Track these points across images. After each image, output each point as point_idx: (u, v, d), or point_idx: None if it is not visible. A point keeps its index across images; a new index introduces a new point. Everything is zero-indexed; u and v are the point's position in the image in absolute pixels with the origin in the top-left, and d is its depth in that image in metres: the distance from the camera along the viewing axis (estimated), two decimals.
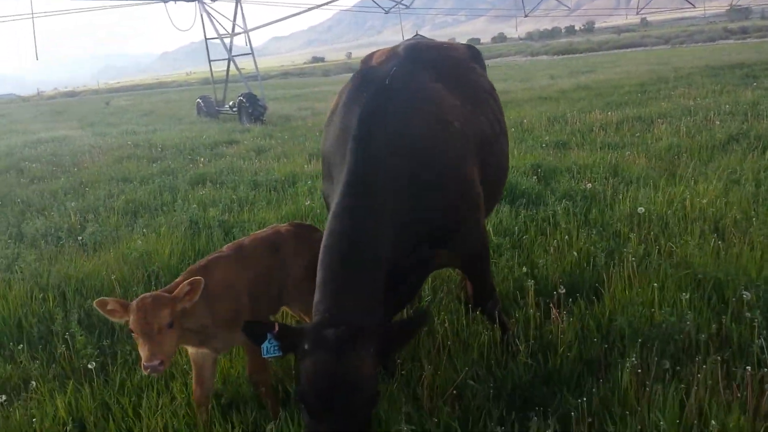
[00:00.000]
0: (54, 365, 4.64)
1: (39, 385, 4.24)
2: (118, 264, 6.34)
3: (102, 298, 3.20)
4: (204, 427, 3.65)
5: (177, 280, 3.44)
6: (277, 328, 2.99)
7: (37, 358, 4.76)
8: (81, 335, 4.76)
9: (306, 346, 2.90)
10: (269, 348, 3.03)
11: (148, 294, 3.19)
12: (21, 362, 4.72)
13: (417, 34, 5.17)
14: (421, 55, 4.17)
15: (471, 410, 3.73)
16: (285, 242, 4.03)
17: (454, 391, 3.88)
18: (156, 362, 3.02)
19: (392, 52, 4.27)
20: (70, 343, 4.75)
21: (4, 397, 4.17)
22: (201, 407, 3.69)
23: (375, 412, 2.93)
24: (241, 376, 4.23)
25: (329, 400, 2.78)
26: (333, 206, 3.31)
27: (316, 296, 3.07)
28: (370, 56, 4.54)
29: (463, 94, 4.06)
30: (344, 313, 2.93)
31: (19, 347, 4.85)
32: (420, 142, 3.51)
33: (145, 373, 3.05)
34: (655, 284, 4.52)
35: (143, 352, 3.04)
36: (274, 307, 4.07)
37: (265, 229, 4.26)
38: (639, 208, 6.24)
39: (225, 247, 3.92)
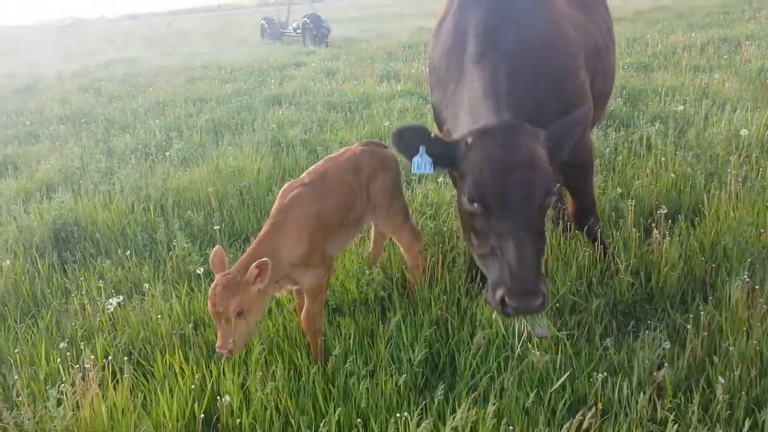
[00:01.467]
0: (163, 270, 4.88)
1: (152, 288, 4.48)
2: (210, 178, 6.52)
3: (219, 248, 3.23)
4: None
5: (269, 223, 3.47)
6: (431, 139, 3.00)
7: (145, 264, 5.00)
8: (186, 243, 4.96)
9: (469, 141, 2.92)
10: (420, 163, 3.03)
11: (221, 279, 3.11)
12: (130, 267, 4.96)
13: None
14: None
15: (573, 325, 3.78)
16: (363, 163, 3.96)
17: (557, 304, 3.92)
18: (223, 351, 3.04)
19: None
20: (175, 249, 4.96)
21: (121, 297, 4.43)
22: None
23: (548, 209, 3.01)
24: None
25: (508, 180, 2.79)
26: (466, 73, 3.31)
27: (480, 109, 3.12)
28: None
29: (575, 2, 3.95)
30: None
31: (127, 253, 5.10)
32: (542, 43, 3.43)
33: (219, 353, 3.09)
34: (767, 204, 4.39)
35: (220, 337, 3.07)
36: (352, 233, 3.98)
37: (341, 152, 4.12)
38: (742, 131, 5.99)
39: (306, 175, 3.79)
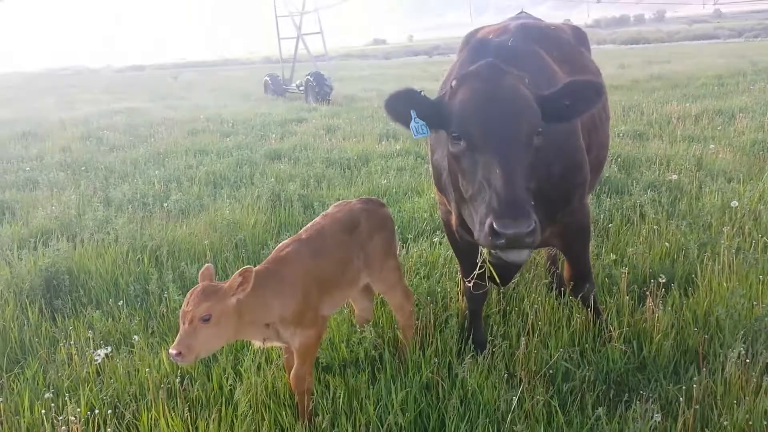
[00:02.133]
0: (153, 322, 4.84)
1: (141, 340, 4.44)
2: (206, 231, 6.54)
3: (209, 265, 3.20)
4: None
5: (263, 265, 3.46)
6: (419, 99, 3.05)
7: (135, 315, 4.97)
8: (178, 295, 4.94)
9: (453, 84, 2.98)
10: (416, 127, 3.06)
11: (207, 283, 3.12)
12: (120, 318, 4.93)
13: (522, 12, 5.09)
14: (533, 33, 4.11)
15: (565, 392, 3.75)
16: (360, 221, 3.94)
17: (550, 371, 3.89)
18: (174, 351, 2.93)
19: (502, 28, 4.22)
20: (167, 302, 4.94)
21: (109, 349, 4.38)
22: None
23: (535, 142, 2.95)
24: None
25: (491, 110, 2.83)
26: None
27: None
28: (475, 32, 4.52)
29: (571, 72, 3.98)
30: None
31: (119, 304, 5.07)
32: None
33: (171, 359, 3.01)
34: (761, 276, 4.41)
35: (178, 337, 3.00)
36: (347, 293, 3.94)
37: (338, 208, 4.10)
38: (733, 202, 6.08)
39: (303, 232, 3.78)
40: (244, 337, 3.53)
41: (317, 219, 3.96)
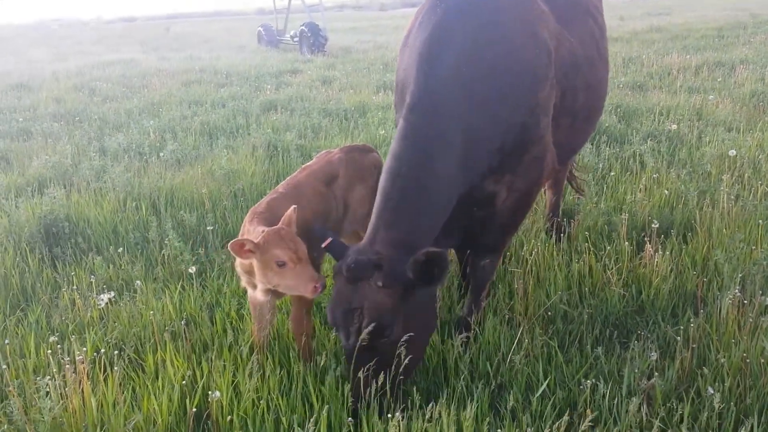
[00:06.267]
0: (154, 268, 4.86)
1: (144, 285, 4.46)
2: (204, 180, 6.52)
3: (236, 240, 3.08)
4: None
5: (246, 220, 3.46)
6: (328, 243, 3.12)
7: (137, 262, 4.98)
8: (178, 242, 4.95)
9: (334, 268, 3.05)
10: None
11: (275, 228, 3.14)
12: (121, 265, 4.94)
13: None
14: None
15: (564, 333, 3.81)
16: (339, 172, 3.91)
17: (548, 313, 3.94)
18: (324, 280, 3.08)
19: None
20: (167, 248, 4.95)
21: (113, 294, 4.41)
22: (259, 346, 3.64)
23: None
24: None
25: (338, 321, 2.97)
26: (397, 128, 3.22)
27: (372, 216, 3.10)
28: None
29: (554, 8, 3.76)
30: (384, 244, 2.97)
31: (119, 251, 5.07)
32: (499, 46, 3.27)
33: (315, 295, 3.09)
34: (761, 221, 4.44)
35: (307, 275, 3.06)
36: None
37: (317, 159, 4.09)
38: (731, 151, 6.08)
39: (281, 186, 3.77)
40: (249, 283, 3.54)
41: (296, 172, 3.95)
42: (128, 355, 3.71)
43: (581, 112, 3.96)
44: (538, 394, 3.14)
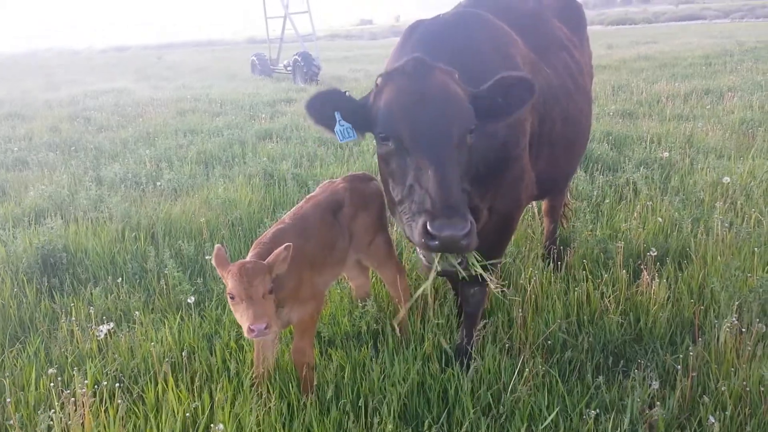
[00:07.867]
0: (153, 298, 4.86)
1: (142, 316, 4.46)
2: (202, 209, 6.54)
3: (220, 246, 3.13)
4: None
5: (251, 253, 3.38)
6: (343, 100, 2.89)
7: (135, 292, 4.98)
8: (177, 272, 4.95)
9: (378, 82, 2.85)
10: (342, 131, 2.91)
11: (245, 260, 3.10)
12: (120, 295, 4.93)
13: None
14: (484, 2, 3.89)
15: (564, 362, 3.82)
16: (344, 201, 3.92)
17: (548, 342, 3.96)
18: (263, 324, 2.88)
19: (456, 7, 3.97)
20: (166, 278, 4.95)
21: (112, 324, 4.40)
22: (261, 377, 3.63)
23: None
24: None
25: (419, 107, 2.67)
26: None
27: None
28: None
29: (527, 40, 3.79)
30: None
31: (118, 281, 5.07)
32: (476, 68, 3.21)
33: (250, 336, 2.93)
34: (756, 248, 4.50)
35: (247, 315, 2.92)
36: (337, 270, 3.94)
37: (321, 189, 4.11)
38: (724, 178, 6.17)
39: (287, 216, 3.77)
40: None
41: (301, 203, 3.97)
42: (128, 386, 3.70)
43: (560, 142, 3.96)
44: (544, 426, 3.15)
